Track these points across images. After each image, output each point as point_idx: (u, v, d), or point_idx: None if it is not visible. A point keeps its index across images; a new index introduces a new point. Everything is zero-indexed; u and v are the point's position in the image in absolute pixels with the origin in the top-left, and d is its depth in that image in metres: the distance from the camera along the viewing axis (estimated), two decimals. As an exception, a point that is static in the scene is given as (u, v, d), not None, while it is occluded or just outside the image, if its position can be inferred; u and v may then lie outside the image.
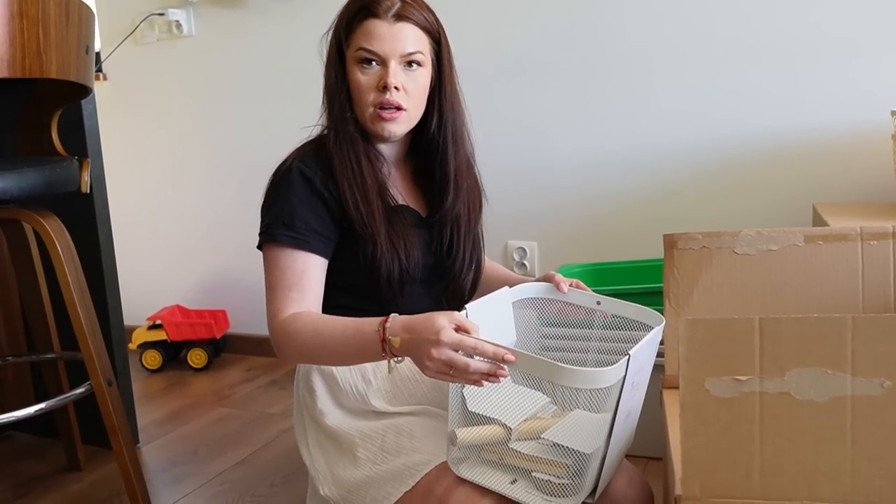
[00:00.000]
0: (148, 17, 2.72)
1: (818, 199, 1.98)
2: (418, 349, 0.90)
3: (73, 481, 1.83)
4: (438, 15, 1.17)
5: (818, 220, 1.72)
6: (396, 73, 1.09)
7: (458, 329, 0.89)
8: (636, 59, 2.11)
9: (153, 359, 2.69)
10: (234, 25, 2.64)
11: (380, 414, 1.13)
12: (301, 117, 2.57)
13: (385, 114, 1.10)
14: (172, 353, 2.73)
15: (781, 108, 1.98)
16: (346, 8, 1.15)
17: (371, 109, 1.12)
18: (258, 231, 1.15)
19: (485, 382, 0.88)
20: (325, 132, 1.19)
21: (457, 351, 0.87)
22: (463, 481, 0.97)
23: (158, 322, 2.71)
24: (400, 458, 1.05)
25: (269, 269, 1.10)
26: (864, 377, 0.78)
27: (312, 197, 1.11)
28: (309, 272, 1.08)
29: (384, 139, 1.15)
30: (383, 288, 1.12)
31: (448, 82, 1.17)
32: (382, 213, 1.12)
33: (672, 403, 1.18)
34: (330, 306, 1.14)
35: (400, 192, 1.19)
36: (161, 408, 2.34)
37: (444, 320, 0.88)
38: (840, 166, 1.95)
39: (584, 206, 2.23)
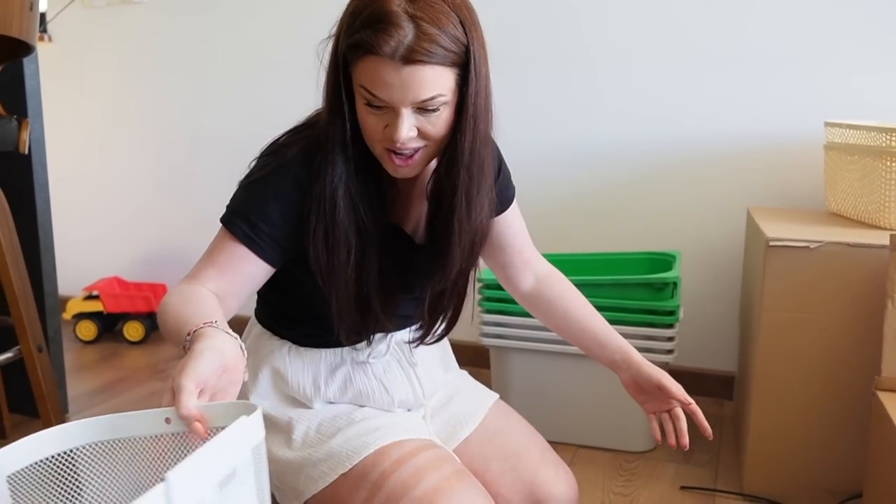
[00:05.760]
0: (99, -20, 2.65)
1: (753, 203, 2.05)
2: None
3: (-3, 449, 1.78)
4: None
5: (752, 225, 1.79)
6: (408, 122, 0.89)
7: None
8: (580, 58, 2.15)
9: (88, 330, 2.64)
10: (188, -5, 2.59)
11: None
12: (251, 92, 2.56)
13: (397, 159, 0.93)
14: (108, 324, 2.68)
15: (721, 113, 2.05)
16: (346, 27, 0.91)
17: (380, 147, 0.94)
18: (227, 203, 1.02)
19: None
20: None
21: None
22: (399, 467, 0.97)
23: (95, 293, 2.65)
24: (336, 438, 1.04)
25: (212, 243, 0.99)
26: None
27: (294, 206, 0.96)
28: (243, 268, 0.95)
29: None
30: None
31: (476, 106, 0.93)
32: (352, 265, 0.98)
33: (892, 406, 1.21)
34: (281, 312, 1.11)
35: (404, 211, 1.06)
36: (93, 379, 2.30)
37: (189, 382, 0.69)
38: (775, 173, 2.02)
39: (528, 198, 2.26)
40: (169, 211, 2.77)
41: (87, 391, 2.20)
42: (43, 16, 2.77)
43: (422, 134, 0.91)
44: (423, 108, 0.89)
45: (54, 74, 2.81)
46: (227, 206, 0.99)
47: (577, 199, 2.22)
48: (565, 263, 2.00)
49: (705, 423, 1.06)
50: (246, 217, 0.95)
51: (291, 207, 0.96)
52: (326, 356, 1.11)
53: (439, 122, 0.91)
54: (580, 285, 1.78)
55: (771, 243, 1.51)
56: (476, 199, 0.99)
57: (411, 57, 0.85)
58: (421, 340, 1.12)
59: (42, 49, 2.77)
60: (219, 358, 0.74)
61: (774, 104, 2.00)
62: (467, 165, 0.96)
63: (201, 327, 0.78)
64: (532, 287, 1.22)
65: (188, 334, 0.78)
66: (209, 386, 0.72)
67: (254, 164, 1.01)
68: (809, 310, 1.51)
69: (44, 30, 2.78)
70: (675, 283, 1.79)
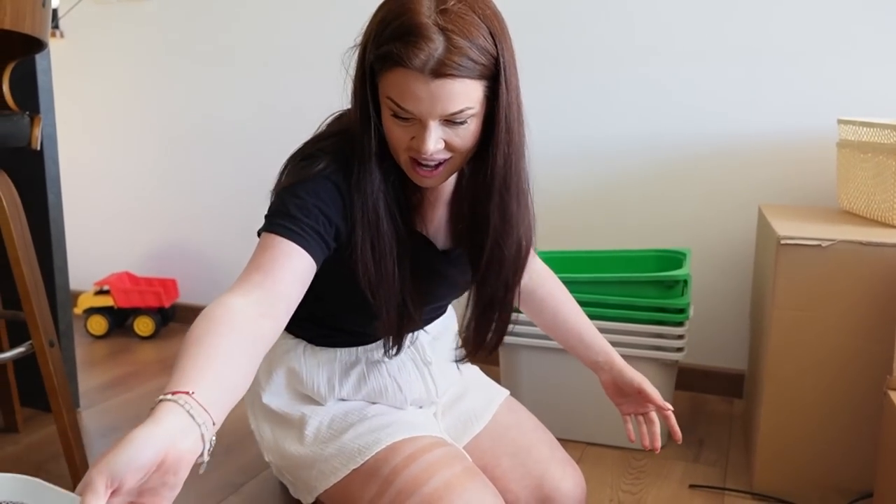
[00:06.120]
0: (110, -24, 2.66)
1: (764, 200, 2.04)
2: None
3: (10, 443, 1.79)
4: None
5: (763, 222, 1.78)
6: (436, 134, 0.89)
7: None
8: (591, 54, 2.14)
9: (98, 325, 2.65)
10: (198, -9, 2.60)
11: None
12: (261, 87, 2.56)
13: (422, 171, 0.93)
14: (119, 319, 2.70)
15: (732, 110, 2.03)
16: (373, 36, 0.88)
17: (405, 157, 0.93)
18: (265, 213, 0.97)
19: None
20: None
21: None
22: (410, 463, 0.97)
23: (106, 288, 2.67)
24: (348, 434, 1.04)
25: (254, 252, 0.91)
26: None
27: (334, 207, 0.94)
28: (288, 263, 0.87)
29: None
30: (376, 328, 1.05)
31: (508, 119, 0.93)
32: (397, 275, 0.98)
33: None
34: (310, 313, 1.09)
35: (425, 216, 1.05)
36: (104, 374, 2.31)
37: (99, 478, 0.59)
38: (787, 170, 2.01)
39: (537, 195, 2.25)
40: (179, 206, 2.78)
41: (98, 385, 2.21)
42: (55, 12, 2.78)
43: (448, 146, 0.91)
44: (450, 121, 0.88)
45: (66, 70, 2.83)
46: (266, 216, 0.94)
47: (586, 195, 2.21)
48: (575, 261, 2.00)
49: (676, 428, 1.11)
50: (287, 214, 0.91)
51: (332, 208, 0.94)
52: (341, 355, 1.11)
53: (466, 134, 0.91)
54: (590, 283, 1.79)
55: (783, 241, 1.50)
56: (516, 214, 0.99)
57: (441, 70, 0.84)
58: (471, 356, 1.11)
59: (54, 45, 2.79)
60: (155, 451, 0.60)
61: (787, 101, 1.99)
62: (503, 179, 0.95)
63: (169, 398, 0.65)
64: (525, 284, 1.22)
65: (159, 398, 0.66)
66: (128, 484, 0.59)
67: (286, 171, 0.98)
68: (821, 308, 1.50)
69: (56, 26, 2.79)
70: (685, 281, 1.79)
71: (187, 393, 0.66)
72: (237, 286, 0.84)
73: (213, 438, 0.67)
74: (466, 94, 0.87)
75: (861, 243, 1.47)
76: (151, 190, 2.83)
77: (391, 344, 1.05)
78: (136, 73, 2.76)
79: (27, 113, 1.52)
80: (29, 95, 1.78)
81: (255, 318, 0.79)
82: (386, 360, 1.11)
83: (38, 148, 1.54)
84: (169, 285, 2.74)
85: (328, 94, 2.51)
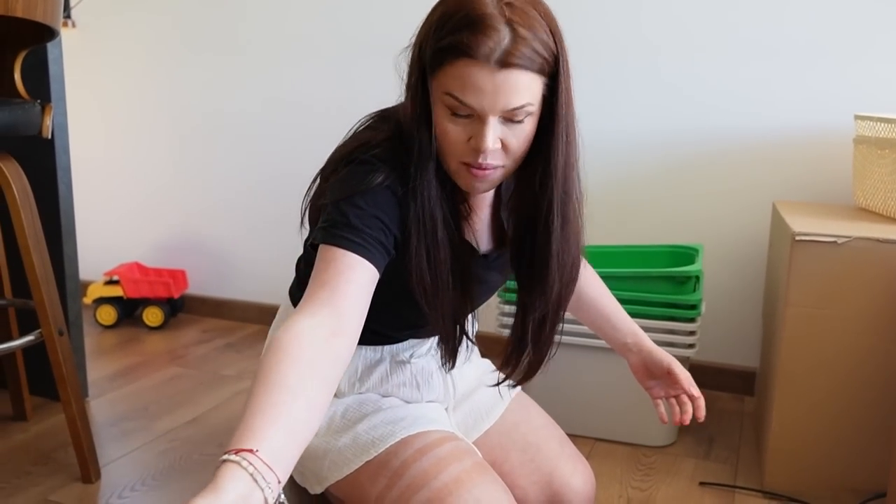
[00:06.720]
0: (122, -35, 2.65)
1: (778, 196, 2.02)
2: None
3: (18, 431, 1.80)
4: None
5: (777, 218, 1.76)
6: (494, 132, 0.87)
7: None
8: (607, 47, 2.12)
9: (108, 314, 2.65)
10: (210, -19, 2.59)
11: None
12: (272, 78, 2.55)
13: (476, 171, 0.91)
14: (128, 310, 2.70)
15: (747, 105, 2.01)
16: (434, 31, 0.87)
17: (456, 162, 0.92)
18: (321, 222, 0.93)
19: None
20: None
21: None
22: (420, 457, 0.97)
23: (115, 278, 2.67)
24: (362, 424, 1.04)
25: (316, 266, 0.88)
26: None
27: (393, 212, 0.92)
28: (354, 276, 0.85)
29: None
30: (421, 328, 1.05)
31: (567, 119, 0.92)
32: (451, 285, 0.97)
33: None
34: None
35: (471, 222, 1.03)
36: (113, 363, 2.31)
37: None
38: (801, 166, 1.99)
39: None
40: (190, 197, 2.78)
41: (106, 375, 2.21)
42: (66, 1, 2.78)
43: (504, 147, 0.89)
44: (509, 119, 0.87)
45: (77, 60, 2.83)
46: (323, 227, 0.91)
47: (599, 190, 2.20)
48: (587, 255, 1.98)
49: (701, 413, 1.11)
50: (348, 225, 0.88)
51: (390, 217, 0.92)
52: (366, 353, 1.10)
53: (522, 136, 0.89)
54: (602, 278, 1.78)
55: (797, 238, 1.48)
56: (574, 223, 0.98)
57: (508, 60, 0.83)
58: (528, 378, 1.08)
59: (66, 35, 2.79)
60: None
61: (802, 96, 1.96)
62: (562, 182, 0.94)
63: (233, 459, 0.64)
64: None
65: (224, 454, 0.65)
66: None
67: (339, 178, 0.95)
68: (835, 306, 1.48)
69: (67, 15, 2.79)
70: (697, 277, 1.77)
71: (251, 451, 0.64)
72: (304, 306, 0.82)
73: (282, 494, 0.66)
74: (529, 88, 0.86)
75: (877, 240, 1.45)
76: (161, 181, 2.83)
77: (447, 357, 1.03)
78: (147, 65, 2.76)
79: (38, 101, 1.51)
80: (40, 84, 1.78)
81: (326, 339, 0.78)
82: (413, 360, 1.11)
83: (49, 137, 1.54)
84: (178, 276, 2.74)
85: (341, 88, 2.51)
